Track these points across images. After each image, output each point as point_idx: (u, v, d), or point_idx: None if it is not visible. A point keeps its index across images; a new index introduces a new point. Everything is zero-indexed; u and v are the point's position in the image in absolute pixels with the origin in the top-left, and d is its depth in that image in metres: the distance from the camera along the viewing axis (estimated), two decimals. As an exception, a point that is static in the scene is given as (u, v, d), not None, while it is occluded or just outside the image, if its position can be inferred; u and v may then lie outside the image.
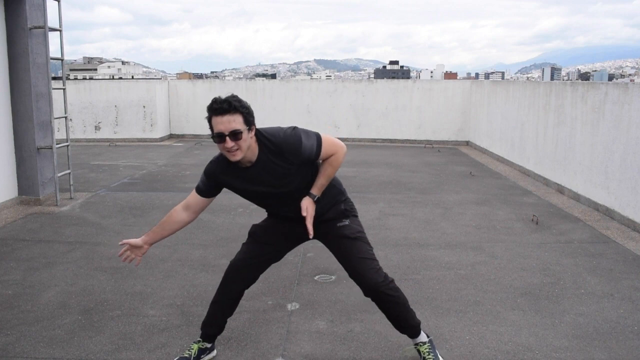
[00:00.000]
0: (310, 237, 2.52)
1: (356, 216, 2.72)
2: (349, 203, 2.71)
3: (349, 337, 3.08)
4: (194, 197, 2.60)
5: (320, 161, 2.54)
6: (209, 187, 2.56)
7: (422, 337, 2.77)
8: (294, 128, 2.46)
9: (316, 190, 2.53)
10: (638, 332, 3.15)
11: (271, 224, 2.72)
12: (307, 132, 2.46)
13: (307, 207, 2.49)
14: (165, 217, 2.66)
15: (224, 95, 2.36)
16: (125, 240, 2.66)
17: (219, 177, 2.52)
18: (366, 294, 2.67)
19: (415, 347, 2.76)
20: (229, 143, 2.31)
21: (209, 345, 2.81)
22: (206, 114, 2.38)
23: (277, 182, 2.47)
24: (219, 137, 2.33)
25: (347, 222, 2.65)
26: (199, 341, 2.80)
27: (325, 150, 2.48)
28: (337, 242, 2.66)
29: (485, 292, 3.73)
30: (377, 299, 2.66)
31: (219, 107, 2.31)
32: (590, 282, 3.90)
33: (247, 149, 2.37)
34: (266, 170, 2.44)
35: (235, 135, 2.31)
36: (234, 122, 2.30)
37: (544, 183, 7.42)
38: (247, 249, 2.71)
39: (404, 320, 2.72)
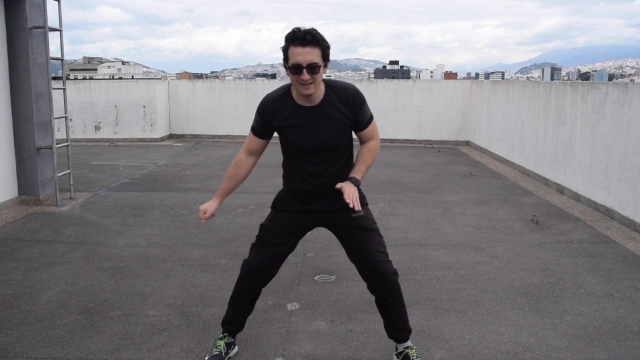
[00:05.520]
0: (358, 209, 2.35)
1: (367, 204, 2.69)
2: (361, 190, 2.66)
3: (349, 337, 3.08)
4: (252, 140, 2.61)
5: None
6: (262, 126, 2.55)
7: (409, 342, 2.77)
8: None
9: (357, 174, 2.49)
10: (638, 332, 3.15)
11: (279, 223, 2.65)
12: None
13: (344, 187, 2.39)
14: (231, 170, 2.67)
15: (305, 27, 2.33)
16: (207, 213, 2.63)
17: (271, 113, 2.49)
18: (376, 287, 2.64)
19: (402, 352, 2.73)
20: (306, 75, 2.29)
21: (232, 339, 2.84)
22: (283, 45, 2.33)
23: (331, 128, 2.44)
24: (295, 68, 2.29)
25: (362, 212, 2.56)
26: (224, 336, 2.81)
27: (372, 127, 2.56)
28: (353, 233, 2.61)
29: (485, 292, 3.73)
30: (386, 292, 2.63)
31: (303, 37, 2.28)
32: (590, 282, 3.90)
33: (319, 85, 2.37)
34: (327, 113, 2.43)
35: (313, 68, 2.29)
36: (313, 54, 2.29)
37: (544, 183, 7.41)
38: (259, 252, 2.66)
39: (401, 322, 2.72)
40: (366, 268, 2.63)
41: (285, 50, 2.33)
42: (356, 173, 2.50)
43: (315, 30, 2.31)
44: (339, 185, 2.42)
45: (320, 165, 2.51)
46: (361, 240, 2.61)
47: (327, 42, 2.34)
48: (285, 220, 2.65)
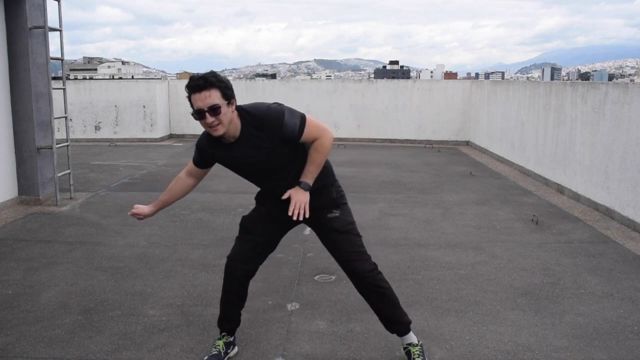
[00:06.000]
0: (295, 219, 2.46)
1: (346, 203, 2.70)
2: (339, 188, 2.69)
3: (349, 337, 3.08)
4: (192, 166, 2.68)
5: (307, 145, 2.53)
6: (201, 159, 2.62)
7: (413, 338, 2.77)
8: (280, 104, 2.45)
9: (306, 178, 2.48)
10: (638, 332, 3.15)
11: (261, 213, 2.71)
12: (292, 110, 2.43)
13: (293, 195, 2.46)
14: (171, 184, 2.74)
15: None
16: (135, 211, 2.72)
17: (207, 150, 2.56)
18: (356, 285, 2.71)
19: (406, 348, 2.74)
20: (209, 118, 2.32)
21: (232, 339, 2.85)
22: (187, 95, 2.39)
23: (261, 157, 2.45)
24: (198, 114, 2.33)
25: (337, 213, 2.63)
26: (223, 336, 2.83)
27: (308, 131, 2.43)
28: (326, 234, 2.67)
29: (485, 292, 3.73)
30: (366, 289, 2.68)
31: (195, 84, 2.32)
32: (590, 282, 3.90)
33: (228, 123, 2.36)
34: (249, 146, 2.43)
35: (214, 110, 2.31)
36: (212, 97, 2.31)
37: (544, 183, 7.41)
38: (241, 242, 2.72)
39: (393, 316, 2.73)
40: (342, 267, 2.70)
41: (188, 99, 2.37)
42: (306, 176, 2.49)
43: (212, 73, 2.35)
44: (286, 194, 2.47)
45: (275, 181, 2.55)
46: (334, 241, 2.66)
47: (224, 82, 2.35)
48: (266, 212, 2.70)
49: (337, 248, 2.66)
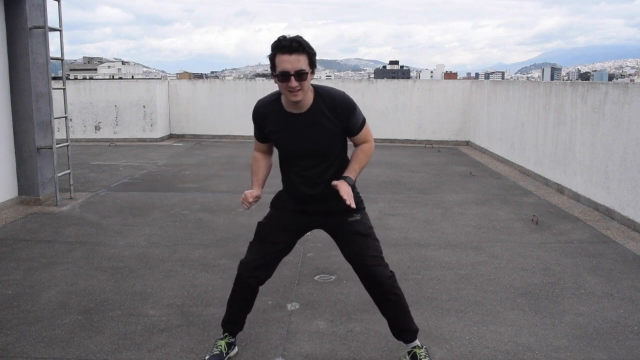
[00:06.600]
0: (353, 206, 2.42)
1: (365, 209, 2.71)
2: (358, 195, 2.70)
3: (349, 337, 3.08)
4: (257, 143, 2.71)
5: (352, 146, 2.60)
6: (259, 131, 2.63)
7: (417, 342, 2.77)
8: None
9: (350, 174, 2.52)
10: (638, 332, 3.15)
11: (276, 221, 2.69)
12: (359, 108, 2.55)
13: (340, 185, 2.44)
14: (253, 165, 2.77)
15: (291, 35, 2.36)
16: (251, 198, 2.67)
17: (263, 119, 2.55)
18: (371, 291, 2.68)
19: (411, 352, 2.74)
20: (293, 82, 2.31)
21: (233, 339, 2.85)
22: (270, 54, 2.36)
23: (322, 136, 2.46)
24: (283, 76, 2.32)
25: (358, 217, 2.63)
26: (225, 336, 2.83)
27: (365, 131, 2.56)
28: (348, 237, 2.65)
29: (485, 292, 3.73)
30: (382, 296, 2.66)
31: (288, 44, 2.30)
32: (590, 282, 3.90)
33: (307, 91, 2.38)
34: (317, 120, 2.44)
35: (301, 75, 2.31)
36: (301, 62, 2.31)
37: (544, 183, 7.42)
38: (256, 249, 2.70)
39: (404, 324, 2.72)
40: (360, 272, 2.67)
41: (272, 58, 2.35)
42: (350, 173, 2.53)
43: (301, 37, 2.34)
44: (334, 182, 2.47)
45: (313, 170, 2.54)
46: (355, 245, 2.64)
47: (313, 49, 2.36)
48: (282, 218, 2.68)
49: (357, 252, 2.63)
